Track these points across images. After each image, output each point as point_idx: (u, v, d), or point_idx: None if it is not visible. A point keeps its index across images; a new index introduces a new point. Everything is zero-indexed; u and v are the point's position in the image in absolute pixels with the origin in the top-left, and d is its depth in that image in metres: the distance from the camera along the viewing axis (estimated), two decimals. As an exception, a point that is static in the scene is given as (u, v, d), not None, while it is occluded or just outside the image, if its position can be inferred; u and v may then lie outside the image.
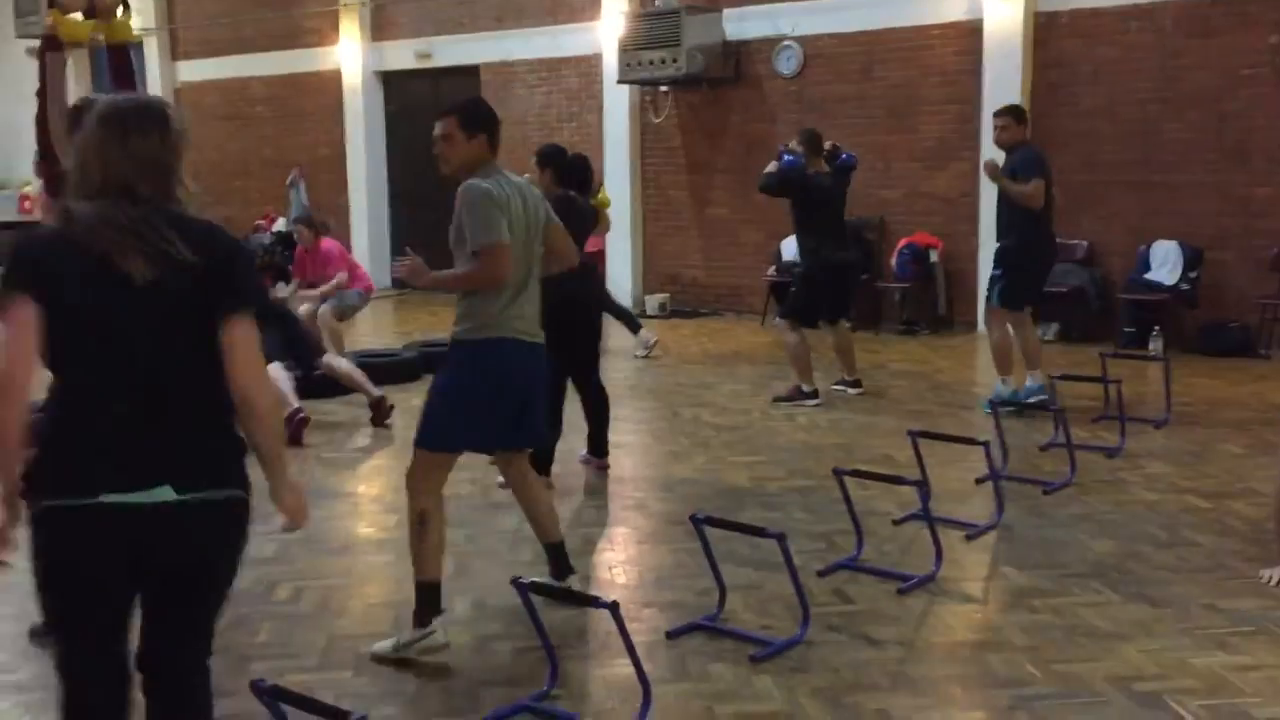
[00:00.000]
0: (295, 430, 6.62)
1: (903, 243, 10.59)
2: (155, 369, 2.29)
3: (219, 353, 2.30)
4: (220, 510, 2.37)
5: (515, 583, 3.43)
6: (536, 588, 3.47)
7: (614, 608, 3.21)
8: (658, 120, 12.18)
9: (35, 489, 2.27)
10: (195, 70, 16.42)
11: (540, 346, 3.96)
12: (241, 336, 2.32)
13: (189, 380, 2.32)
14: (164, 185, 2.34)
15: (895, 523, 5.03)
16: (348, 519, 5.47)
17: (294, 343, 7.08)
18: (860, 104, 10.94)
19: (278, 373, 6.58)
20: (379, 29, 14.31)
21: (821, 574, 4.45)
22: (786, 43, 11.26)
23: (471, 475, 5.65)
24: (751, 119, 11.59)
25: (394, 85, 14.53)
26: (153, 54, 16.60)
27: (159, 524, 2.29)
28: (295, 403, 6.76)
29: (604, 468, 6.05)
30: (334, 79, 14.69)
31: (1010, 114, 7.21)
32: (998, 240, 7.30)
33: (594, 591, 4.25)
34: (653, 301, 12.17)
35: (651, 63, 11.20)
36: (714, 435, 6.89)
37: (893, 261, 10.66)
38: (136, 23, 16.87)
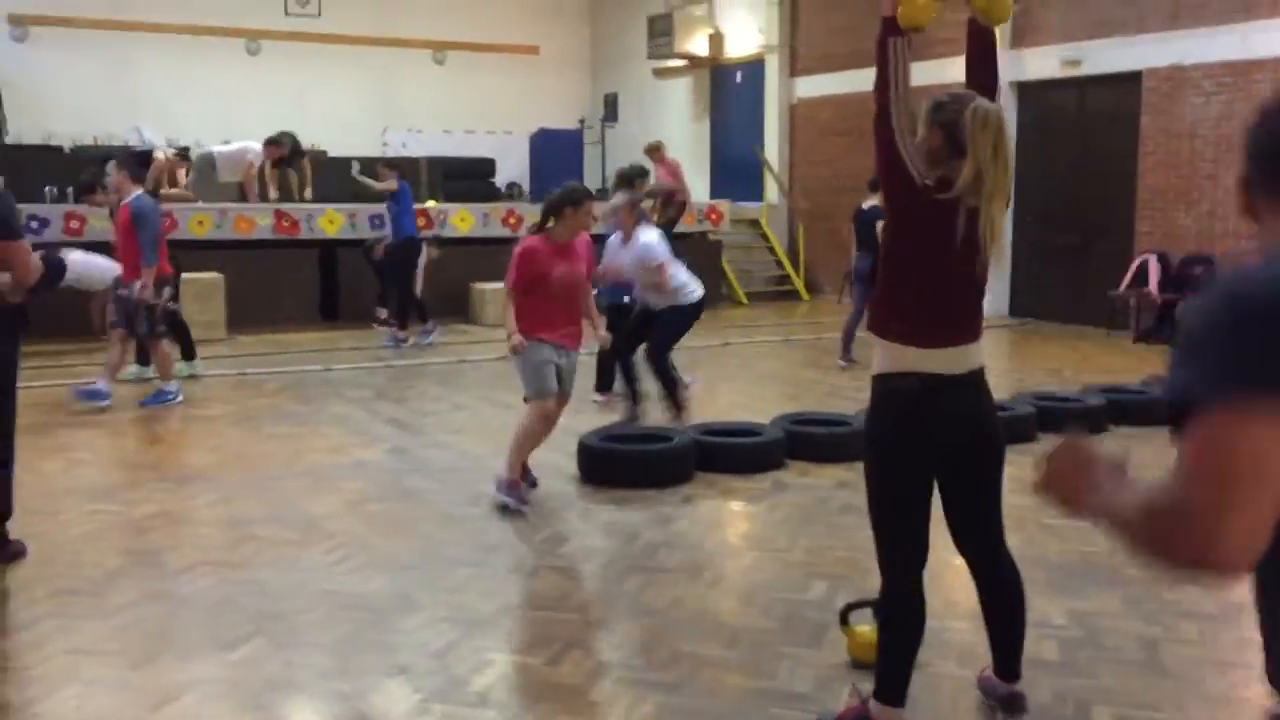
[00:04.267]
0: None
1: None
2: None
3: None
4: None
5: None
6: None
7: None
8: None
9: None
10: (812, 86, 16.34)
11: None
12: None
13: None
14: None
15: None
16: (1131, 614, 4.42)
17: None
18: None
19: None
20: (1021, 35, 13.19)
21: None
22: None
23: None
24: None
25: (1030, 95, 13.33)
26: (773, 70, 16.80)
27: None
28: None
29: None
30: (963, 91, 13.81)
31: None
32: None
33: None
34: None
35: (1400, 59, 9.10)
36: None
37: None
38: (757, 41, 17.28)
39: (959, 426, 3.18)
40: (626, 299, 8.31)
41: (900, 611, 3.23)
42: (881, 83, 3.22)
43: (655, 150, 13.24)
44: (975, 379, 3.19)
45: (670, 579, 4.71)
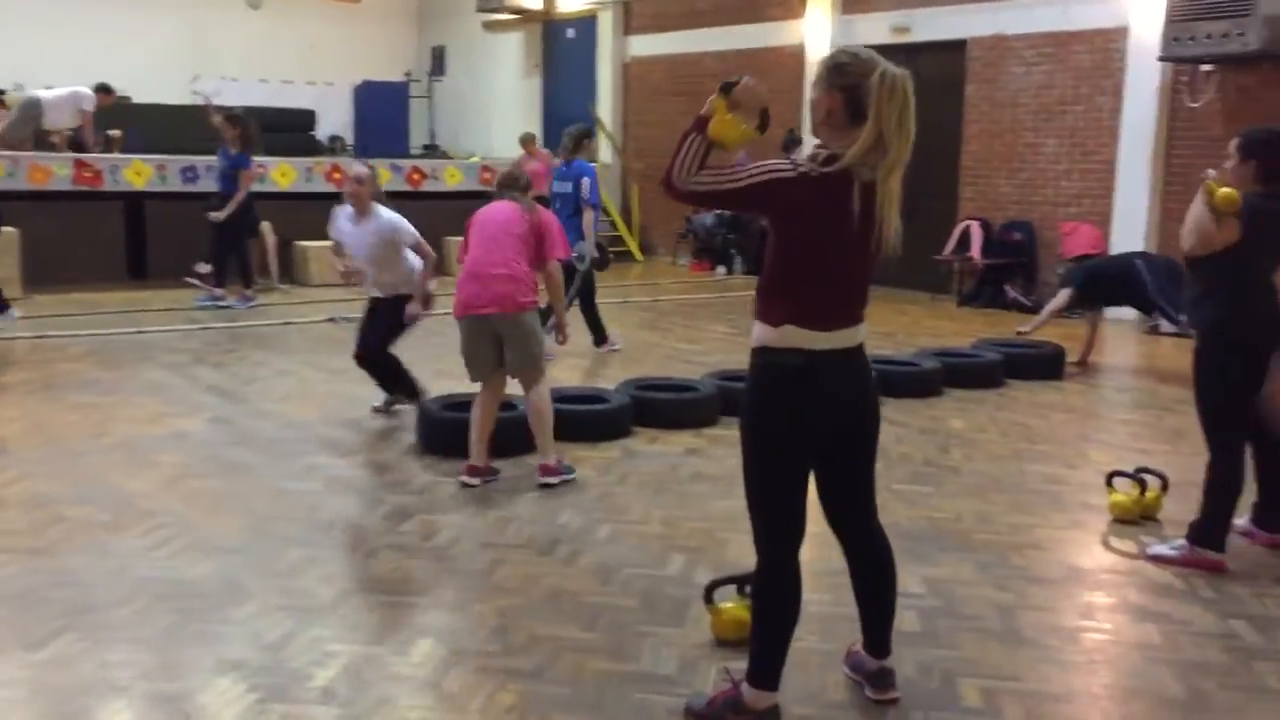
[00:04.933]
0: None
1: None
2: None
3: None
4: None
5: None
6: None
7: None
8: (1195, 105, 10.40)
9: None
10: (645, 45, 16.15)
11: None
12: None
13: None
14: None
15: None
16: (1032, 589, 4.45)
17: None
18: None
19: None
20: (851, 1, 13.33)
21: None
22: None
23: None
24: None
25: (860, 62, 13.45)
26: (606, 27, 16.54)
27: None
28: None
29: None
30: (795, 55, 13.86)
31: None
32: None
33: None
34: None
35: (1209, 36, 9.49)
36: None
37: None
38: (590, -3, 16.94)
39: (839, 405, 3.06)
40: (573, 254, 8.22)
41: (776, 590, 3.11)
42: (669, 165, 3.02)
43: (529, 142, 13.75)
44: (857, 354, 3.08)
45: (523, 556, 4.49)
